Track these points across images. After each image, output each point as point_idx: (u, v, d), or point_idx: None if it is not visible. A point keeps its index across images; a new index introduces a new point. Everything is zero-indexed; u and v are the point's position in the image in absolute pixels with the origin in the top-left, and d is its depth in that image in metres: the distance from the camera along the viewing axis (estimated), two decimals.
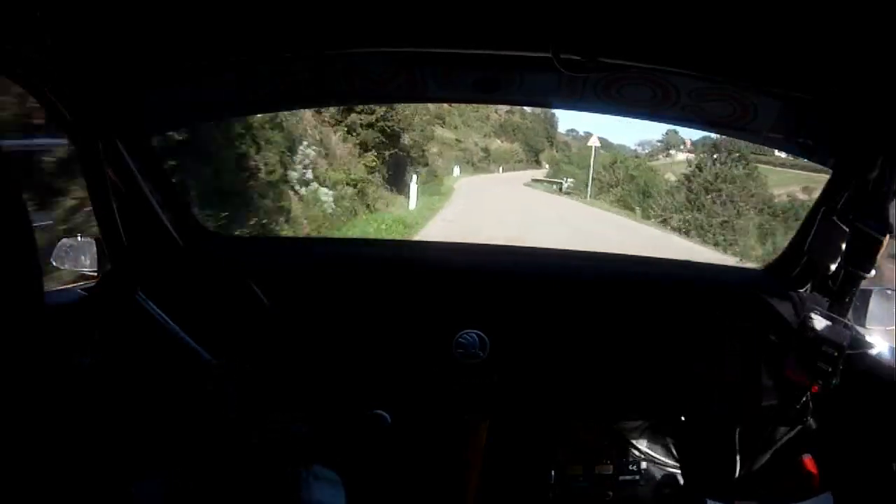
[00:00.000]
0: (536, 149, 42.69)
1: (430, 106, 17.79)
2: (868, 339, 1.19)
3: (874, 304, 1.23)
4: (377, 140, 12.43)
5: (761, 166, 20.85)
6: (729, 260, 12.19)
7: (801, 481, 1.17)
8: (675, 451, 1.42)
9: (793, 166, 22.05)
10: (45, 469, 0.59)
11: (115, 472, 1.05)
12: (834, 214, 1.12)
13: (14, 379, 0.49)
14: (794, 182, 21.35)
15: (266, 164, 7.92)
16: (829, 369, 1.12)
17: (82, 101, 1.05)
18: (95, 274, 1.32)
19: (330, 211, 9.99)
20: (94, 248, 1.31)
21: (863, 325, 1.22)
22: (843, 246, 1.07)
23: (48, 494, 0.60)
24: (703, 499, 1.17)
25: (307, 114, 10.18)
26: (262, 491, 0.97)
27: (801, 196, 19.46)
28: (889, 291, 1.25)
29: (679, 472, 1.40)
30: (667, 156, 39.51)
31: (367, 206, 11.64)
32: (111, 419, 1.17)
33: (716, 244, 17.23)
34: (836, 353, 1.11)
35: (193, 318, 1.26)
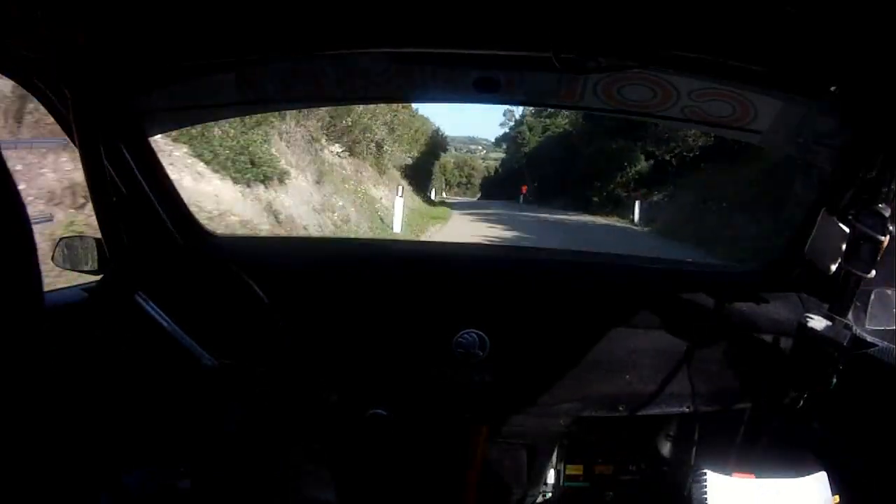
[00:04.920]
0: None
1: None
2: (868, 339, 1.19)
3: (874, 304, 1.23)
4: None
5: None
6: None
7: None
8: (674, 452, 1.42)
9: None
10: (39, 465, 0.59)
11: (109, 466, 1.05)
12: (834, 214, 1.12)
13: (13, 380, 0.49)
14: None
15: None
16: (829, 370, 1.12)
17: (82, 100, 1.05)
18: (95, 274, 1.32)
19: None
20: (95, 248, 1.31)
21: (863, 325, 1.22)
22: (843, 246, 1.07)
23: (41, 489, 0.60)
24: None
25: None
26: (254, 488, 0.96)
27: None
28: (889, 291, 1.24)
29: (679, 472, 1.40)
30: None
31: None
32: (111, 418, 1.17)
33: None
34: (836, 354, 1.11)
35: (194, 318, 1.26)
